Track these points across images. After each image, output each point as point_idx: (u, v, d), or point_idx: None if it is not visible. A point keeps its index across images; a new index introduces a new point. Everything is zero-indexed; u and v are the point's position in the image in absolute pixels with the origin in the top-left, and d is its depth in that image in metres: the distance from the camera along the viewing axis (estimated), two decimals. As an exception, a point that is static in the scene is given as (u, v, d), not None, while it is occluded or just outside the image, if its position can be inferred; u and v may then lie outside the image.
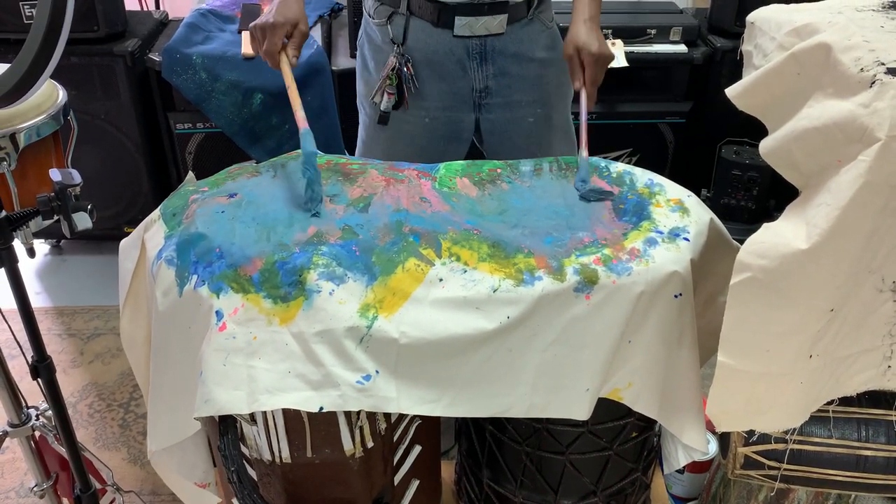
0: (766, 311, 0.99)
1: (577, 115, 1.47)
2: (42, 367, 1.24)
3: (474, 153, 1.65)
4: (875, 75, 0.90)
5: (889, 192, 0.90)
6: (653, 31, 2.49)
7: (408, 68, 1.54)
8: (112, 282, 1.27)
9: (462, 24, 1.50)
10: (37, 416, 1.44)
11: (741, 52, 1.25)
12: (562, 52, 1.53)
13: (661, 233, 1.16)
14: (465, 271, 1.10)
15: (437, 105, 1.59)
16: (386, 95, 1.56)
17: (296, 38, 1.41)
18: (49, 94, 1.19)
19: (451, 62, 1.55)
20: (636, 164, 1.38)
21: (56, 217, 1.09)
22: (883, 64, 0.91)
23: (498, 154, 1.65)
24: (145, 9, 3.15)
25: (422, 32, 1.52)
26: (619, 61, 2.39)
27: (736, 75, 1.14)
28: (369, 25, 1.61)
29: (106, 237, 2.56)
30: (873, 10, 1.09)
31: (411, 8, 1.51)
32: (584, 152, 1.34)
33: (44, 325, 2.42)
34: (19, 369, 1.40)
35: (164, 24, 2.67)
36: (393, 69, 1.53)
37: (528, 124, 1.62)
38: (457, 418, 1.53)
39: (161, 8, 3.18)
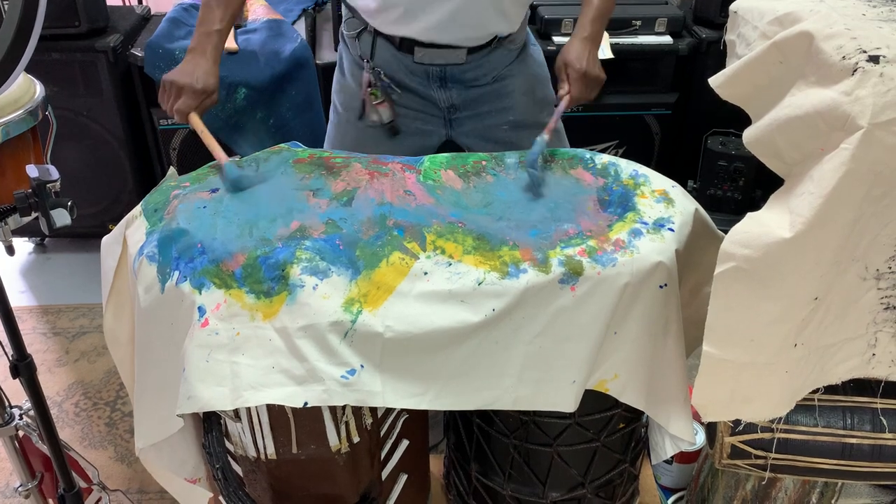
0: (750, 301, 0.99)
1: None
2: (22, 366, 1.22)
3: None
4: (857, 63, 0.90)
5: (872, 179, 0.90)
6: (638, 23, 2.48)
7: (384, 79, 1.55)
8: (97, 280, 1.26)
9: (421, 55, 1.52)
10: (20, 415, 1.42)
11: (724, 41, 1.25)
12: (531, 60, 1.56)
13: (645, 224, 1.15)
14: (450, 264, 1.09)
15: (406, 112, 1.61)
16: (379, 109, 1.57)
17: (205, 104, 1.37)
18: (26, 90, 1.17)
19: (414, 83, 1.57)
20: (623, 156, 1.38)
21: (34, 214, 1.07)
22: (865, 52, 0.91)
23: None
24: (127, 4, 3.12)
25: (387, 53, 1.54)
26: (605, 53, 2.39)
27: (721, 66, 1.14)
28: (343, 31, 1.62)
29: (90, 235, 2.53)
30: (855, -1, 1.09)
31: (367, 17, 1.52)
32: (545, 136, 1.34)
33: (28, 324, 2.40)
34: (1, 369, 1.39)
35: (146, 19, 2.65)
36: (370, 84, 1.54)
37: (502, 132, 1.63)
38: (445, 412, 1.53)
39: (143, 3, 3.16)
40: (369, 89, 1.55)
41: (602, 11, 1.49)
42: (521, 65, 1.60)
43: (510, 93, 1.60)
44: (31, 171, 1.04)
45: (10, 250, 1.17)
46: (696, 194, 2.55)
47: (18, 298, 2.54)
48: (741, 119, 1.09)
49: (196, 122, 1.35)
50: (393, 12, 1.47)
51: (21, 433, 1.44)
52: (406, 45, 1.52)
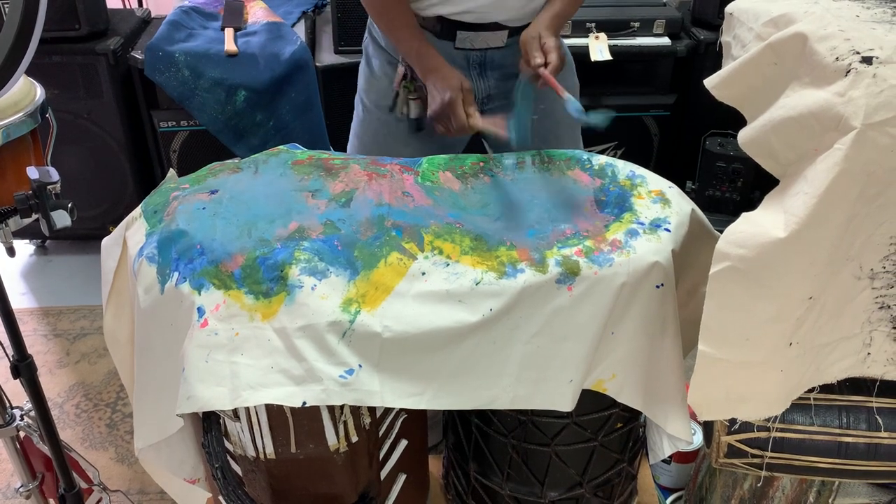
0: (745, 300, 0.99)
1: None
2: (23, 367, 1.23)
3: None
4: (850, 64, 0.90)
5: (865, 179, 0.91)
6: (636, 25, 2.49)
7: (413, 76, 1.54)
8: (98, 281, 1.26)
9: (463, 38, 1.52)
10: (21, 416, 1.43)
11: (720, 42, 1.26)
12: (567, 54, 1.55)
13: (642, 224, 1.16)
14: (448, 264, 1.10)
15: None
16: (411, 103, 1.56)
17: (468, 98, 1.41)
18: (27, 92, 1.18)
19: None
20: (621, 157, 1.38)
21: (35, 215, 1.08)
22: (858, 53, 0.91)
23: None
24: (128, 6, 3.13)
25: None
26: (604, 55, 2.39)
27: (719, 67, 1.14)
28: (373, 29, 1.61)
29: (91, 236, 2.54)
30: (849, 0, 1.10)
31: (417, 13, 1.51)
32: (565, 94, 1.32)
33: (29, 326, 2.41)
34: (3, 370, 1.40)
35: (146, 21, 2.66)
36: (405, 77, 1.54)
37: (532, 122, 1.63)
38: (444, 412, 1.54)
39: (143, 5, 3.17)
40: (403, 82, 1.54)
41: (564, 13, 1.49)
42: None
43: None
44: (32, 172, 1.05)
45: (11, 252, 1.18)
46: (695, 195, 2.56)
47: (19, 300, 2.55)
48: (739, 120, 1.10)
49: (487, 127, 1.39)
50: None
51: (22, 434, 1.44)
52: (447, 31, 1.51)
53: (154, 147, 2.52)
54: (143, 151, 2.56)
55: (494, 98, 1.61)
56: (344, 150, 1.76)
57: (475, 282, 1.07)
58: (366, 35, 1.65)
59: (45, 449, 1.41)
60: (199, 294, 1.05)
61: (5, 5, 2.26)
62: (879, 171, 0.90)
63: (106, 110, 2.43)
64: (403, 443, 1.34)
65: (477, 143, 1.62)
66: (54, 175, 1.07)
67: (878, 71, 0.88)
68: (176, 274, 1.08)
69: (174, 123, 2.42)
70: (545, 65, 1.39)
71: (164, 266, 1.10)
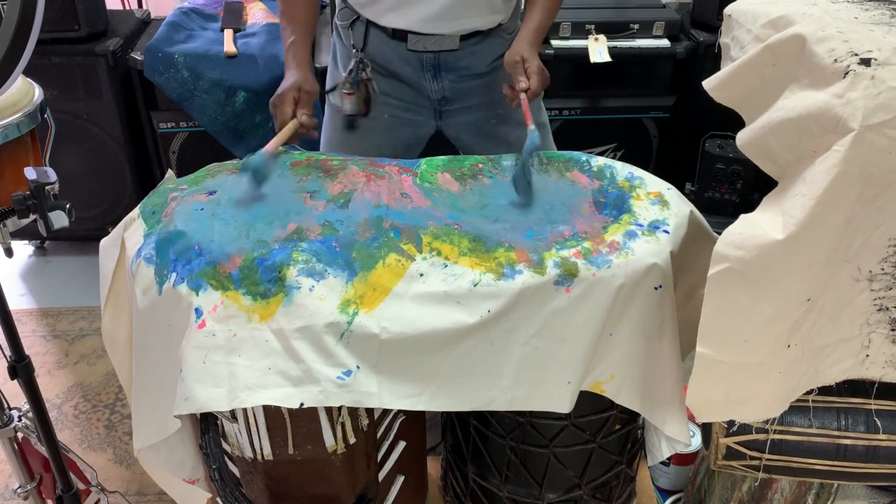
0: (743, 302, 0.99)
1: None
2: (20, 367, 1.23)
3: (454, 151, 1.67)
4: (849, 66, 0.90)
5: (864, 181, 0.91)
6: (636, 26, 2.49)
7: (365, 73, 1.56)
8: (97, 282, 1.26)
9: (415, 41, 1.53)
10: (19, 417, 1.43)
11: (719, 44, 1.26)
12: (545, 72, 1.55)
13: (640, 225, 1.16)
14: (446, 266, 1.10)
15: (397, 103, 1.62)
16: (345, 98, 1.59)
17: (303, 99, 1.44)
18: (25, 93, 1.18)
19: (407, 72, 1.58)
20: (620, 159, 1.38)
21: (32, 216, 1.08)
22: (856, 55, 0.91)
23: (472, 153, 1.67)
24: (127, 7, 3.13)
25: (379, 42, 1.56)
26: (603, 56, 2.39)
27: (718, 69, 1.14)
28: (337, 22, 1.63)
29: (90, 237, 2.53)
30: (847, 2, 1.10)
31: (359, 9, 1.54)
32: (533, 126, 1.32)
33: (28, 327, 2.41)
34: (1, 372, 1.40)
35: (146, 22, 2.65)
36: (350, 72, 1.56)
37: (490, 126, 1.64)
38: (442, 413, 1.53)
39: (143, 7, 3.17)
40: (347, 77, 1.56)
41: (544, 24, 1.51)
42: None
43: (501, 86, 1.61)
44: (30, 173, 1.05)
45: (9, 252, 1.18)
46: (694, 197, 2.55)
47: (18, 301, 2.54)
48: (739, 122, 1.10)
49: (284, 133, 1.41)
50: (387, 9, 1.50)
51: (20, 435, 1.44)
52: (399, 34, 1.53)
53: (153, 148, 2.52)
54: (143, 152, 2.56)
55: (452, 100, 1.62)
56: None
57: (473, 283, 1.07)
58: (332, 33, 1.68)
59: (43, 450, 1.41)
60: (197, 295, 1.05)
61: (3, 5, 2.26)
62: (878, 173, 0.90)
63: (105, 111, 2.43)
64: (402, 444, 1.34)
65: (450, 151, 1.63)
66: (52, 175, 1.07)
67: (876, 73, 0.88)
68: (174, 275, 1.08)
69: (173, 124, 2.42)
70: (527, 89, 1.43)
71: (161, 267, 1.10)
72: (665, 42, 2.50)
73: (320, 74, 2.38)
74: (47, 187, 1.09)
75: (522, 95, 1.43)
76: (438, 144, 1.70)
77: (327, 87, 1.69)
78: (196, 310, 1.04)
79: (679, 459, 1.76)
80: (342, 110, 1.60)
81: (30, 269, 2.72)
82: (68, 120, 2.41)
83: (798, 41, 0.98)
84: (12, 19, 0.82)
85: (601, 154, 2.22)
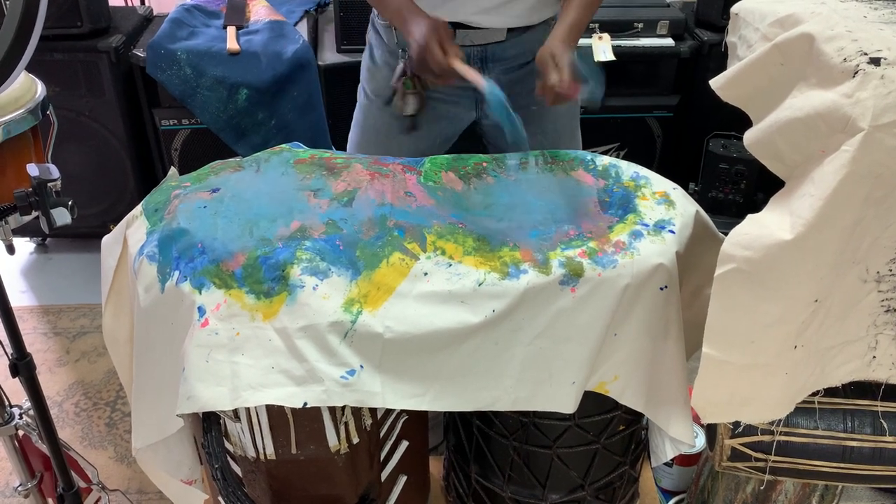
0: (750, 302, 0.99)
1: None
2: (22, 365, 1.22)
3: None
4: (858, 65, 0.90)
5: (872, 181, 0.90)
6: (640, 25, 2.48)
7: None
8: (98, 280, 1.26)
9: (462, 35, 1.51)
10: (20, 415, 1.42)
11: (726, 43, 1.25)
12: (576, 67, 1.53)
13: (646, 225, 1.15)
14: (451, 265, 1.09)
15: (440, 97, 1.59)
16: (409, 98, 1.54)
17: (444, 37, 1.36)
18: (27, 89, 1.17)
19: None
20: (624, 158, 1.37)
21: (34, 213, 1.07)
22: (866, 54, 0.91)
23: (501, 148, 1.66)
24: (129, 4, 3.13)
25: None
26: (607, 55, 2.39)
27: (723, 68, 1.14)
28: (376, 20, 1.60)
29: (91, 235, 2.52)
30: (856, 1, 1.09)
31: None
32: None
33: (29, 324, 2.40)
34: (2, 369, 1.39)
35: (148, 19, 2.65)
36: (404, 73, 1.51)
37: (530, 112, 1.62)
38: (445, 413, 1.53)
39: (145, 3, 3.16)
40: (403, 78, 1.52)
41: (581, 22, 1.46)
42: None
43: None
44: (32, 169, 1.04)
45: (11, 249, 1.17)
46: (698, 197, 2.54)
47: (19, 298, 2.54)
48: (743, 121, 1.09)
49: (467, 70, 1.35)
50: (441, 2, 1.46)
51: (21, 433, 1.44)
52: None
53: (155, 145, 2.51)
54: (145, 150, 2.55)
55: None
56: (346, 148, 1.76)
57: (478, 282, 1.07)
58: (369, 27, 1.65)
59: (44, 448, 1.40)
60: (200, 293, 1.04)
61: (6, 1, 2.25)
62: (887, 174, 0.90)
63: (107, 108, 2.42)
64: (404, 444, 1.33)
65: (474, 144, 1.61)
66: (55, 172, 1.06)
67: (886, 72, 0.88)
68: (177, 273, 1.07)
69: (176, 122, 2.41)
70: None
71: (164, 265, 1.09)
72: (669, 41, 2.49)
73: (324, 71, 2.38)
74: (49, 184, 1.08)
75: (550, 94, 1.38)
76: (466, 138, 1.70)
77: (365, 81, 1.65)
78: (199, 308, 1.03)
79: (682, 460, 1.75)
80: (402, 112, 1.57)
81: (31, 266, 2.72)
82: (70, 117, 2.40)
83: (806, 40, 0.98)
84: (15, 15, 0.81)
85: (604, 153, 2.21)
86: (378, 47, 1.62)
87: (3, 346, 1.32)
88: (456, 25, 1.49)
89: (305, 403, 1.03)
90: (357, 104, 1.71)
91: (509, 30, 1.52)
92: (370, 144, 1.66)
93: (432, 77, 1.42)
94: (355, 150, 1.70)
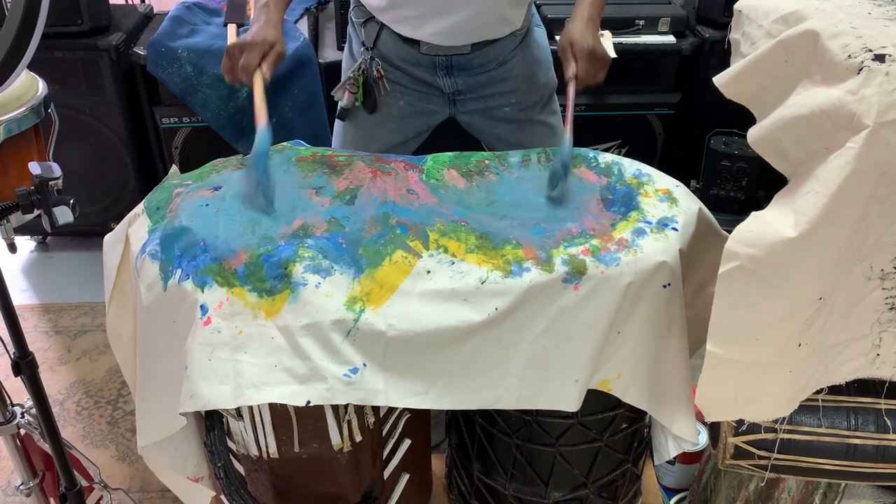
0: (754, 300, 0.99)
1: (563, 106, 1.45)
2: (24, 364, 1.22)
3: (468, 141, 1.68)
4: (863, 62, 0.89)
5: (877, 179, 0.90)
6: (641, 22, 2.48)
7: (377, 72, 1.56)
8: (99, 278, 1.25)
9: (427, 47, 1.53)
10: (22, 413, 1.42)
11: (729, 40, 1.25)
12: (534, 44, 1.58)
13: (649, 223, 1.15)
14: (453, 263, 1.09)
15: (412, 92, 1.61)
16: (346, 94, 1.59)
17: (271, 56, 1.37)
18: (29, 87, 1.17)
19: (419, 70, 1.58)
20: (626, 156, 1.37)
21: (37, 211, 1.07)
22: (870, 51, 0.90)
23: (486, 137, 1.70)
24: (130, 2, 3.12)
25: (391, 43, 1.55)
26: (608, 52, 2.38)
27: (725, 65, 1.13)
28: (352, 16, 1.63)
29: (92, 233, 2.53)
30: (860, -3, 1.09)
31: (377, 15, 1.53)
32: (568, 135, 1.32)
33: (30, 323, 2.40)
34: (3, 368, 1.39)
35: (148, 17, 2.64)
36: (360, 69, 1.56)
37: (504, 112, 1.63)
38: (447, 412, 1.53)
39: (146, 1, 3.16)
40: (354, 73, 1.56)
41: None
42: (524, 49, 1.60)
43: (513, 77, 1.60)
44: (34, 168, 1.04)
45: (13, 248, 1.17)
46: (700, 194, 2.54)
47: (20, 297, 2.54)
48: (744, 119, 1.09)
49: (258, 85, 1.34)
50: (401, 20, 1.50)
51: (23, 431, 1.44)
52: (411, 40, 1.53)
53: (156, 143, 2.51)
54: (145, 148, 2.55)
55: (465, 93, 1.62)
56: None
57: (481, 280, 1.06)
58: (349, 23, 1.66)
59: (46, 447, 1.40)
60: (203, 291, 1.04)
61: (7, 1, 2.25)
62: (892, 171, 0.90)
63: (108, 106, 2.41)
64: (407, 442, 1.33)
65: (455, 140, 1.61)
66: (56, 170, 1.06)
67: (891, 69, 0.88)
68: (179, 271, 1.07)
69: (176, 120, 2.41)
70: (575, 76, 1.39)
71: (166, 263, 1.09)
72: (671, 38, 2.49)
73: (325, 69, 2.38)
74: (51, 182, 1.08)
75: (571, 85, 1.38)
76: (445, 129, 1.71)
77: (343, 73, 1.68)
78: (201, 306, 1.03)
79: (685, 458, 1.75)
80: (339, 101, 1.59)
81: (32, 265, 2.71)
82: (71, 115, 2.39)
83: (811, 37, 0.97)
84: (17, 13, 0.81)
85: (606, 151, 2.21)
86: (355, 42, 1.64)
87: (4, 344, 1.32)
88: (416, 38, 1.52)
89: (308, 402, 1.03)
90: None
91: (473, 44, 1.53)
92: (347, 135, 1.69)
93: (228, 69, 1.39)
94: (337, 142, 1.73)
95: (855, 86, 0.89)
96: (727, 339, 1.03)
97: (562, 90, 1.46)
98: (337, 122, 1.71)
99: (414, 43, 1.53)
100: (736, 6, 1.21)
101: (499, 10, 1.49)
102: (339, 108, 1.63)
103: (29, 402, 1.40)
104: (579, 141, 1.35)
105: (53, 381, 2.16)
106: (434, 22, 1.47)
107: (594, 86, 1.42)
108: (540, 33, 1.65)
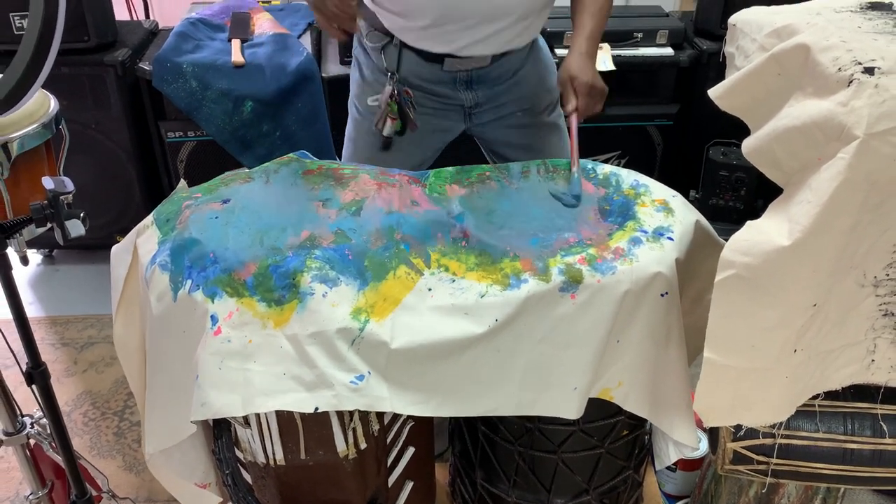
0: (750, 307, 1.01)
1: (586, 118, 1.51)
2: (37, 374, 1.24)
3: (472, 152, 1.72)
4: (852, 74, 0.92)
5: (868, 188, 0.92)
6: (639, 35, 2.51)
7: (407, 93, 1.58)
8: (105, 291, 1.27)
9: (451, 63, 1.56)
10: (31, 424, 1.44)
11: (724, 53, 1.27)
12: (540, 51, 1.62)
13: (645, 232, 1.17)
14: (454, 280, 1.11)
15: (431, 111, 1.64)
16: (389, 121, 1.60)
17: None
18: (41, 104, 1.20)
19: (440, 87, 1.61)
20: (625, 167, 1.40)
21: (49, 225, 1.10)
22: (860, 63, 0.93)
23: (497, 152, 1.74)
24: (135, 18, 3.16)
25: (414, 63, 1.57)
26: (607, 65, 2.41)
27: (722, 77, 1.16)
28: (363, 40, 1.64)
29: (98, 246, 2.55)
30: (851, 11, 1.11)
31: (400, 35, 1.55)
32: (576, 169, 1.36)
33: (37, 335, 2.40)
34: (13, 379, 1.41)
35: (154, 33, 2.68)
36: (391, 97, 1.57)
37: (516, 118, 1.67)
38: (450, 420, 1.55)
39: (151, 17, 3.19)
40: (389, 101, 1.58)
41: (597, 31, 1.51)
42: (534, 56, 1.65)
43: (526, 84, 1.65)
44: (47, 182, 1.06)
45: (25, 260, 1.19)
46: (699, 204, 2.57)
47: (27, 309, 2.51)
48: (742, 129, 1.11)
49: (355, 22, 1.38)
50: (434, 36, 1.51)
51: (32, 442, 1.45)
52: (435, 57, 1.55)
53: (161, 157, 2.53)
54: (151, 161, 2.57)
55: (483, 104, 1.65)
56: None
57: (480, 294, 1.09)
58: (354, 44, 1.68)
59: (56, 457, 1.42)
60: (213, 302, 1.06)
61: (14, 17, 2.28)
62: (882, 180, 0.91)
63: (114, 121, 2.44)
64: (410, 450, 1.35)
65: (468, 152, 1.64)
66: (69, 185, 1.08)
67: (880, 81, 0.90)
68: (189, 282, 1.09)
69: (181, 134, 2.44)
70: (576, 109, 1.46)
71: (176, 274, 1.11)
72: (668, 50, 2.52)
73: (328, 83, 2.41)
74: (62, 196, 1.10)
75: (573, 118, 1.44)
76: (448, 147, 1.75)
77: (356, 97, 1.71)
78: (212, 317, 1.06)
79: (685, 465, 1.77)
80: (382, 131, 1.61)
81: (38, 278, 2.74)
82: (77, 129, 2.42)
83: (802, 50, 1.00)
84: (33, 34, 0.84)
85: (605, 161, 2.23)
86: (367, 66, 1.66)
87: (14, 355, 1.34)
88: (444, 54, 1.54)
89: (317, 408, 1.05)
90: (349, 118, 1.75)
91: (493, 56, 1.56)
92: (363, 159, 1.70)
93: (324, 23, 1.40)
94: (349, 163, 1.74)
95: (845, 98, 0.91)
96: (724, 345, 1.04)
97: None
98: (347, 143, 1.73)
99: (436, 61, 1.55)
100: (730, 20, 1.24)
101: (531, 17, 1.53)
102: (382, 138, 1.63)
103: (38, 413, 1.42)
104: (580, 152, 1.38)
105: (60, 393, 2.17)
106: (470, 33, 1.49)
107: (593, 116, 1.49)
108: (542, 40, 1.70)
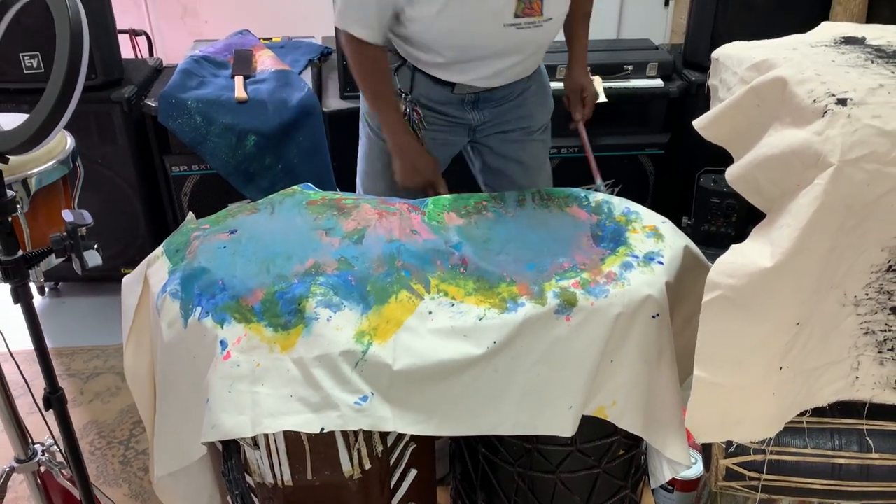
0: (736, 326, 1.05)
1: (580, 146, 1.72)
2: (54, 399, 1.28)
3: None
4: (826, 105, 0.97)
5: (844, 212, 0.97)
6: (630, 67, 2.58)
7: (417, 112, 1.67)
8: (110, 322, 1.31)
9: (461, 87, 1.65)
10: (42, 451, 1.47)
11: (708, 86, 1.33)
12: (539, 71, 1.75)
13: (636, 257, 1.22)
14: (453, 304, 1.16)
15: (438, 127, 1.72)
16: None
17: (440, 177, 1.67)
18: (59, 141, 1.25)
19: (449, 108, 1.69)
20: (619, 195, 1.46)
21: (68, 255, 1.14)
22: (833, 95, 0.98)
23: (487, 162, 1.83)
24: (140, 57, 3.23)
25: (425, 86, 1.66)
26: (599, 97, 2.48)
27: (710, 108, 1.22)
28: None
29: (103, 279, 2.59)
30: (825, 46, 1.18)
31: (417, 65, 1.64)
32: (599, 179, 1.47)
33: (43, 366, 2.45)
34: (26, 408, 1.44)
35: (158, 70, 2.74)
36: (404, 115, 1.66)
37: (515, 135, 1.78)
38: (451, 443, 1.58)
39: (155, 55, 3.27)
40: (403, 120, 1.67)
41: (587, 39, 1.74)
42: (536, 77, 1.75)
43: (529, 103, 1.75)
44: (67, 215, 1.11)
45: (42, 290, 1.24)
46: (691, 230, 2.62)
47: (34, 341, 2.58)
48: (731, 158, 1.17)
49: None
50: (441, 67, 1.61)
51: (43, 469, 1.48)
52: (446, 81, 1.64)
53: (166, 190, 2.58)
54: (156, 195, 2.62)
55: (489, 122, 1.74)
56: (350, 190, 1.84)
57: (479, 317, 1.13)
58: None
59: (66, 484, 1.45)
60: (222, 328, 1.11)
61: (24, 56, 2.34)
62: (857, 205, 0.96)
63: (119, 156, 2.49)
64: (413, 472, 1.38)
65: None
66: (87, 217, 1.13)
67: (852, 111, 0.95)
68: (199, 309, 1.14)
69: (186, 168, 2.49)
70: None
71: (187, 301, 1.16)
72: (658, 82, 2.59)
73: (328, 117, 2.47)
74: (79, 228, 1.15)
75: (581, 127, 1.66)
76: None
77: (368, 115, 1.77)
78: (221, 342, 1.10)
79: (682, 485, 1.79)
80: None
81: (44, 310, 2.77)
82: (84, 164, 2.45)
83: (780, 83, 1.06)
84: (59, 77, 0.89)
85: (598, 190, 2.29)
86: None
87: (28, 384, 1.38)
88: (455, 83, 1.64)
89: (323, 428, 1.09)
90: (361, 135, 1.82)
91: None
92: (377, 174, 1.78)
93: (407, 188, 1.66)
94: (364, 180, 1.83)
95: (820, 127, 0.97)
96: (712, 364, 1.09)
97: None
98: (361, 160, 1.82)
99: (447, 84, 1.64)
100: (713, 54, 1.30)
101: (541, 53, 1.66)
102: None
103: (49, 440, 1.45)
104: (573, 181, 1.45)
105: (67, 423, 2.20)
106: (484, 69, 1.60)
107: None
108: (542, 64, 1.79)
